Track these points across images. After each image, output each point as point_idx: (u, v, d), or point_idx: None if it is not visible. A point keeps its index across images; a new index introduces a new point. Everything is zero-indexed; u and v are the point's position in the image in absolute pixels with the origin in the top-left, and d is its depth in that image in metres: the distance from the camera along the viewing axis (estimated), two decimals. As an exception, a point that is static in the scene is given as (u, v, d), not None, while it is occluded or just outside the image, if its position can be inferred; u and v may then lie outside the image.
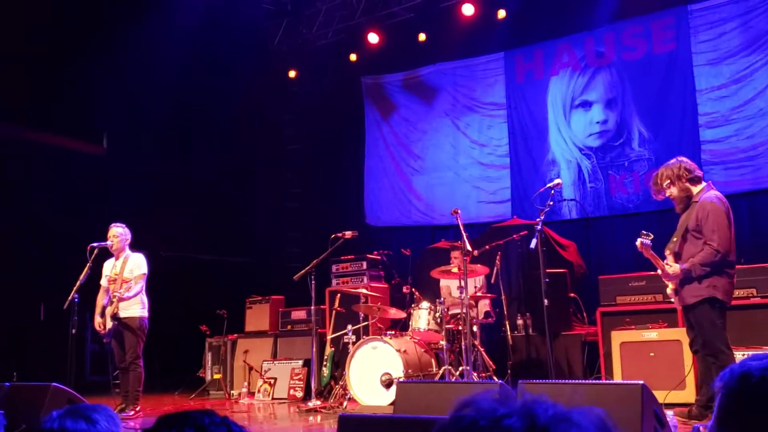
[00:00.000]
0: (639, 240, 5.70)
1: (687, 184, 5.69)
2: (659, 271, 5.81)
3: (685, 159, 5.91)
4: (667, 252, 5.81)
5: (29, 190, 10.52)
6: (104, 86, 10.78)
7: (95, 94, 10.87)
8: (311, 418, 7.78)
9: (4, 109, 10.35)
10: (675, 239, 5.76)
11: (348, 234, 8.41)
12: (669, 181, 5.76)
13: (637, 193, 10.09)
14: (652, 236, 5.71)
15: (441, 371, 7.60)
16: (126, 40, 10.47)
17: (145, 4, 10.56)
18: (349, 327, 8.80)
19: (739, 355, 6.14)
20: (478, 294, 8.52)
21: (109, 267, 7.90)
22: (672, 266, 5.64)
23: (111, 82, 10.75)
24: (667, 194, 5.80)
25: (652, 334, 7.35)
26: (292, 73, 13.38)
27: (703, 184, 5.74)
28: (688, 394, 6.76)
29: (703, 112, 9.69)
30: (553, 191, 6.71)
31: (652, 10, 10.24)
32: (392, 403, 6.15)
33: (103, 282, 7.88)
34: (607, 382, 6.79)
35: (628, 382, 5.26)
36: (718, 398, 1.60)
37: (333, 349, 9.28)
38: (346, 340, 8.75)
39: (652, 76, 10.21)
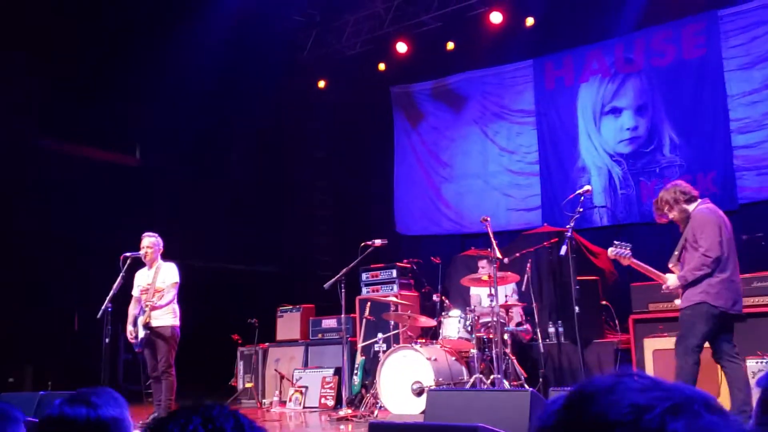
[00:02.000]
0: (610, 249, 6.00)
1: (684, 206, 5.91)
2: (664, 286, 5.99)
3: (680, 182, 6.15)
4: (670, 265, 6.01)
5: (64, 200, 10.66)
6: (138, 98, 10.92)
7: (129, 107, 11.02)
8: (342, 426, 7.79)
9: (39, 122, 10.54)
10: (676, 253, 5.98)
11: (378, 242, 8.43)
12: (668, 205, 5.99)
13: (668, 200, 9.97)
14: (630, 246, 5.99)
15: (472, 380, 7.58)
16: (159, 53, 10.59)
17: (177, 17, 10.69)
18: (380, 335, 8.81)
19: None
20: (509, 302, 8.49)
21: (141, 277, 7.94)
22: (670, 278, 5.86)
23: (144, 94, 10.88)
24: (670, 217, 6.01)
25: (685, 342, 7.25)
26: (321, 84, 13.45)
27: (699, 201, 5.97)
28: (722, 402, 6.66)
29: (735, 117, 9.59)
30: (582, 197, 6.70)
31: (682, 16, 10.16)
32: (423, 412, 6.14)
33: (135, 292, 7.91)
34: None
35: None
36: (759, 398, 1.61)
37: (363, 357, 9.28)
38: (376, 349, 8.77)
39: (683, 81, 10.12)
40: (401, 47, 12.21)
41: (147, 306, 7.60)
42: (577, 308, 6.15)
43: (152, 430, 1.24)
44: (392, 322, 9.03)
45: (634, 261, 6.00)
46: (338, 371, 9.61)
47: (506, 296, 8.60)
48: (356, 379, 9.16)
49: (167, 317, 7.69)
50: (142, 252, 7.79)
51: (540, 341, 8.45)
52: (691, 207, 5.90)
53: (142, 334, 7.59)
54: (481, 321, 8.18)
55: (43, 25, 10.00)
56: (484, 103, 12.02)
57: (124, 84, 10.79)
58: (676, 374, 5.62)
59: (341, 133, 13.57)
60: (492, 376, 7.56)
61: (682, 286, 5.77)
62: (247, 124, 12.43)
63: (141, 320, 7.60)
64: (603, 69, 10.87)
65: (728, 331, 5.75)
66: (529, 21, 11.09)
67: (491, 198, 11.69)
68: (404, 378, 7.79)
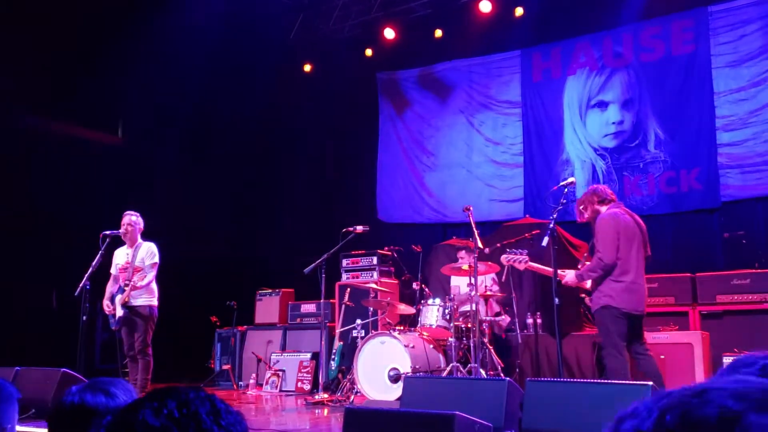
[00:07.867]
0: (503, 256, 6.61)
1: (597, 207, 6.22)
2: (563, 281, 6.38)
3: (599, 186, 6.49)
4: (579, 266, 6.41)
5: (45, 177, 10.55)
6: (122, 78, 10.80)
7: (113, 86, 10.90)
8: (318, 410, 7.78)
9: (22, 98, 10.39)
10: (586, 254, 6.40)
11: (359, 228, 8.41)
12: (583, 206, 6.33)
13: (651, 195, 10.01)
14: (526, 251, 6.57)
15: (449, 368, 7.59)
16: (146, 32, 10.45)
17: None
18: (358, 321, 8.80)
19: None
20: (488, 292, 8.49)
21: (120, 255, 7.89)
22: (568, 273, 6.30)
23: (129, 73, 10.76)
24: (586, 217, 6.31)
25: (662, 337, 7.30)
26: (307, 67, 13.32)
27: (611, 204, 6.23)
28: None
29: (721, 114, 9.61)
30: (566, 189, 6.70)
31: (672, 11, 10.15)
32: (399, 398, 6.13)
33: (113, 270, 7.87)
34: (616, 382, 6.73)
35: (638, 382, 5.23)
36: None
37: (341, 343, 9.27)
38: (354, 335, 8.76)
39: (670, 77, 10.12)
40: (389, 33, 12.10)
41: (126, 285, 7.55)
42: (557, 300, 6.16)
43: (126, 414, 1.20)
44: (371, 309, 9.02)
45: (531, 264, 6.45)
46: (316, 356, 9.61)
47: (486, 286, 8.60)
48: (333, 364, 9.15)
49: (145, 297, 7.67)
50: (122, 230, 7.75)
51: (518, 332, 8.45)
52: (603, 209, 6.16)
53: (120, 312, 7.54)
54: (459, 310, 8.18)
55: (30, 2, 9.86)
56: (471, 92, 11.98)
57: (108, 63, 10.66)
58: (611, 374, 5.91)
59: (326, 119, 13.46)
60: (469, 365, 7.57)
61: (578, 283, 6.24)
62: (231, 105, 12.33)
63: (119, 299, 7.55)
64: (591, 62, 10.86)
65: (637, 329, 6.05)
66: (519, 11, 11.05)
67: (474, 188, 11.67)
68: (381, 364, 7.79)
